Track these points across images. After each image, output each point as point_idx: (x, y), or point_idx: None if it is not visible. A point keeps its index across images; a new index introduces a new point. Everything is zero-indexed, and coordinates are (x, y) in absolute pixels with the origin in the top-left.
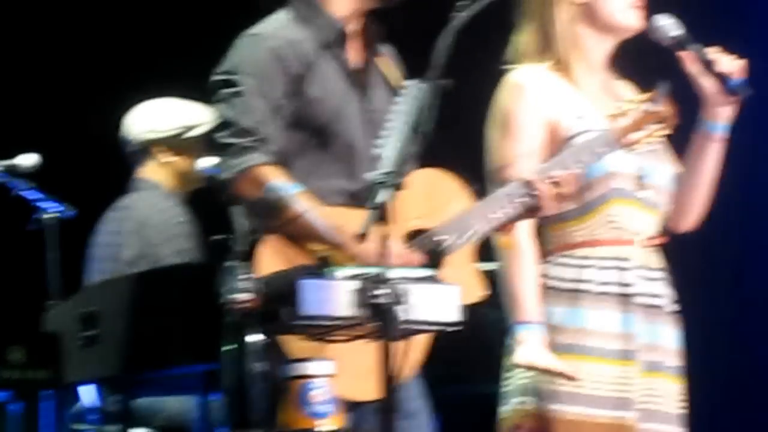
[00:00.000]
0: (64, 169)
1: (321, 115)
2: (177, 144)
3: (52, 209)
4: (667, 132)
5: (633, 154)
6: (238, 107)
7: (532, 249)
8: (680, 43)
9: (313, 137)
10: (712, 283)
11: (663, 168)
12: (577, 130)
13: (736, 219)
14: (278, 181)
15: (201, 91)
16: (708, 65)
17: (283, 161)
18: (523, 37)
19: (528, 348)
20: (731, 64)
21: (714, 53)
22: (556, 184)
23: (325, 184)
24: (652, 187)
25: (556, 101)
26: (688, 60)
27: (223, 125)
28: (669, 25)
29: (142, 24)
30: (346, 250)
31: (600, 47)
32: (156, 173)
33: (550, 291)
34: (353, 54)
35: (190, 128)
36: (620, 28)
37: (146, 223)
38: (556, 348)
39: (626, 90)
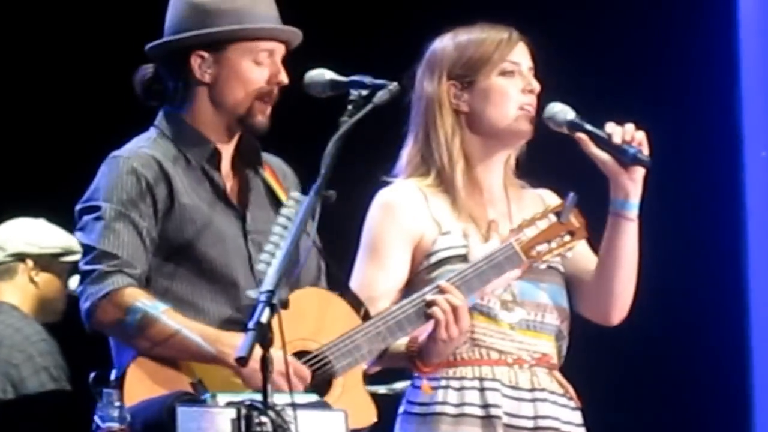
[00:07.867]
0: None
1: (194, 239)
2: (50, 265)
3: None
4: (575, 244)
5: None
6: (98, 231)
7: None
8: (574, 126)
9: (189, 262)
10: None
11: (541, 286)
12: (438, 247)
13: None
14: (143, 300)
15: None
16: (605, 141)
17: (160, 291)
18: (408, 149)
19: None
20: (628, 134)
21: (610, 127)
22: (454, 310)
23: (209, 312)
24: (528, 307)
25: (422, 218)
26: (584, 141)
27: (84, 252)
28: (561, 112)
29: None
30: (226, 367)
31: (491, 158)
32: (14, 296)
33: (408, 417)
34: (230, 173)
35: (70, 252)
36: (509, 135)
37: (3, 343)
38: None
39: (536, 200)
